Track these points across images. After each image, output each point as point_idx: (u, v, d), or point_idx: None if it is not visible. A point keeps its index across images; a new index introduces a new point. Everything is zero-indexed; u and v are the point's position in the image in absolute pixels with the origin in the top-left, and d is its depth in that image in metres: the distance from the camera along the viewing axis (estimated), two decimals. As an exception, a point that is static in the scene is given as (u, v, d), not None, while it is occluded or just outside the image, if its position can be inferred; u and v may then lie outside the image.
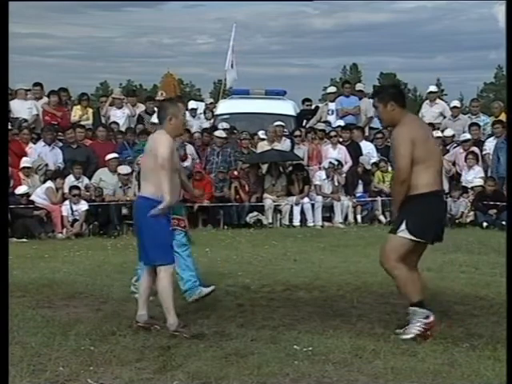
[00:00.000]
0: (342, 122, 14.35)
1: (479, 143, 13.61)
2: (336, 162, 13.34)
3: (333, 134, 13.85)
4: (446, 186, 13.29)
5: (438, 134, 13.96)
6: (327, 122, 14.65)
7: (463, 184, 13.22)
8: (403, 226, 5.15)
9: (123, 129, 13.82)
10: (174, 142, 5.48)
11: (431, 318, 5.15)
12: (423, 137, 5.24)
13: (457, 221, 12.65)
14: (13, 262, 8.49)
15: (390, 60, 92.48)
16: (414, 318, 5.17)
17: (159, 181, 5.20)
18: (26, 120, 13.41)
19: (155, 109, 14.52)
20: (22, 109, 13.65)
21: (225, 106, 15.57)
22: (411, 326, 5.15)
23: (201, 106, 16.14)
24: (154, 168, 5.23)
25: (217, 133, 13.64)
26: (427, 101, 15.49)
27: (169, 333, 5.16)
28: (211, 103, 16.43)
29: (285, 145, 13.79)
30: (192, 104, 15.92)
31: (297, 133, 14.01)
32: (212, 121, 15.13)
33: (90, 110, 14.46)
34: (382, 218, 13.16)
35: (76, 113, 14.10)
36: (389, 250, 5.22)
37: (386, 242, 5.28)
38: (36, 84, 14.25)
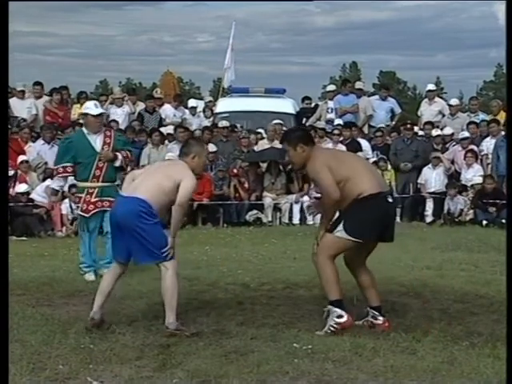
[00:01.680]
0: (340, 121, 14.34)
1: (478, 141, 13.60)
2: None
3: (336, 132, 13.85)
4: (445, 184, 13.36)
5: (437, 132, 13.99)
6: (330, 121, 14.63)
7: (463, 182, 13.23)
8: (340, 227, 5.29)
9: (123, 127, 13.82)
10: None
11: (344, 318, 5.23)
12: (336, 160, 5.44)
13: (456, 219, 12.67)
14: (13, 260, 8.48)
15: (391, 58, 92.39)
16: (329, 316, 5.27)
17: (162, 200, 5.24)
18: (24, 120, 13.42)
19: (156, 108, 14.61)
20: (21, 108, 13.65)
21: (224, 105, 15.56)
22: (326, 324, 5.25)
23: (200, 105, 16.13)
24: (165, 189, 5.24)
25: (220, 124, 13.74)
26: (426, 99, 15.50)
27: (168, 331, 5.15)
28: (210, 101, 16.43)
29: (284, 143, 13.78)
30: (191, 102, 15.92)
31: (296, 131, 13.99)
32: (211, 119, 15.12)
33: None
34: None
35: (75, 111, 14.09)
36: (323, 246, 5.36)
37: (323, 239, 5.40)
38: (36, 83, 14.26)
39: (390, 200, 5.42)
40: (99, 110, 7.89)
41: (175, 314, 5.23)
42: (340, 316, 5.23)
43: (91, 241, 7.82)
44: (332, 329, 5.20)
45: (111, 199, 7.37)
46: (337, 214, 5.47)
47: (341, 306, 5.28)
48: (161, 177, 5.34)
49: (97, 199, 7.67)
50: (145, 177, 5.45)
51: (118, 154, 7.75)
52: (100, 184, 7.69)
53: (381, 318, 5.45)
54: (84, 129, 7.95)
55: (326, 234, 5.38)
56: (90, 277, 7.54)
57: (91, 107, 7.89)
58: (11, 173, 11.79)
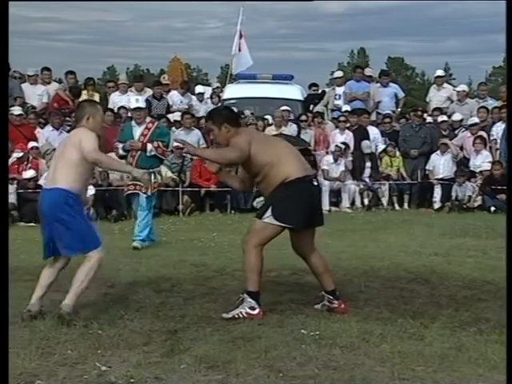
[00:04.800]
0: (348, 107, 14.30)
1: (489, 127, 13.53)
2: (343, 146, 13.33)
3: (342, 118, 13.82)
4: (453, 171, 13.32)
5: (443, 118, 13.91)
6: (337, 106, 14.59)
7: (471, 168, 13.19)
8: (268, 213, 5.31)
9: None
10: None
11: (256, 311, 5.26)
12: (263, 143, 5.47)
13: (464, 205, 12.63)
14: (21, 245, 8.54)
15: (400, 44, 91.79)
16: (242, 303, 5.30)
17: (79, 174, 5.14)
18: (34, 107, 13.43)
19: (163, 94, 14.57)
20: (32, 94, 13.67)
21: (232, 91, 15.50)
22: (236, 309, 5.28)
23: (208, 91, 16.08)
24: (75, 160, 5.12)
25: None
26: (435, 85, 15.43)
27: (61, 312, 5.00)
28: (218, 87, 16.38)
29: (291, 129, 13.77)
30: (199, 88, 15.87)
31: (303, 117, 13.98)
32: (219, 105, 15.07)
33: (97, 95, 14.44)
34: (384, 202, 13.27)
35: (83, 97, 14.08)
36: (252, 233, 5.38)
37: (252, 225, 5.45)
38: (45, 69, 14.26)
39: (316, 183, 5.47)
40: (136, 104, 8.95)
41: (75, 301, 5.13)
42: (253, 308, 5.26)
43: (146, 217, 8.74)
44: (240, 315, 5.22)
45: (142, 184, 8.47)
46: (262, 199, 5.50)
47: (256, 299, 5.30)
48: (66, 152, 5.21)
49: (130, 183, 8.82)
50: (56, 161, 5.32)
51: (148, 144, 8.63)
52: None
53: (336, 301, 5.50)
54: (133, 120, 9.12)
55: (255, 221, 5.42)
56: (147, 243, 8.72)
57: (132, 101, 9.21)
58: (20, 155, 11.85)
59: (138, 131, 8.77)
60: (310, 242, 5.54)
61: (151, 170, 8.62)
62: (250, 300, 5.28)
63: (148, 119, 9.08)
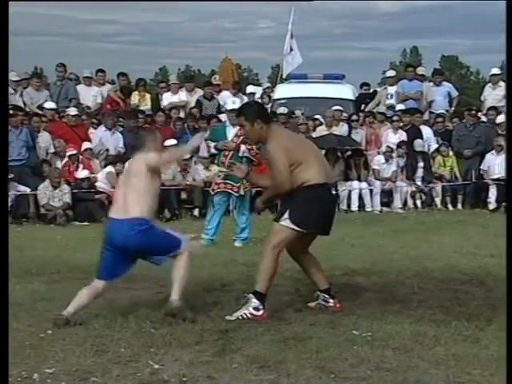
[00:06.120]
0: (402, 106, 14.16)
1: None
2: (394, 147, 13.22)
3: (395, 118, 13.68)
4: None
5: (502, 119, 13.55)
6: (391, 107, 14.45)
7: (528, 168, 12.89)
8: (286, 215, 5.27)
9: (182, 114, 13.94)
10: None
11: (260, 312, 5.21)
12: (294, 143, 5.44)
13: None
14: (75, 244, 8.70)
15: (454, 42, 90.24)
16: (247, 303, 5.27)
17: (149, 201, 5.14)
18: (89, 107, 13.68)
19: (214, 94, 14.65)
20: (87, 95, 13.92)
21: (282, 91, 15.48)
22: (241, 310, 5.24)
23: (259, 91, 16.10)
24: (143, 188, 5.13)
25: (278, 110, 13.67)
26: (490, 83, 15.13)
27: (170, 308, 5.08)
28: (268, 87, 16.39)
29: (342, 129, 13.68)
30: (250, 88, 15.91)
31: (354, 117, 13.88)
32: (270, 105, 15.07)
33: (148, 96, 14.60)
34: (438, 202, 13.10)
35: (134, 98, 14.27)
36: (269, 236, 5.37)
37: (271, 228, 5.42)
38: (99, 70, 14.51)
39: (333, 192, 5.46)
40: (233, 106, 9.04)
41: (180, 293, 5.18)
42: (256, 309, 5.23)
43: (215, 216, 8.98)
44: (244, 316, 5.18)
45: (234, 184, 8.76)
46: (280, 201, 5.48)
47: (261, 300, 5.27)
48: (132, 182, 5.18)
49: (221, 181, 8.90)
50: (123, 190, 5.25)
51: (242, 145, 8.76)
52: (225, 169, 8.75)
53: (331, 300, 5.53)
54: (227, 121, 9.30)
55: (273, 224, 5.40)
56: (203, 242, 8.66)
57: (229, 103, 9.46)
58: (73, 152, 12.05)
59: (231, 132, 8.93)
60: (308, 245, 5.56)
61: None
62: (254, 300, 5.26)
63: None
